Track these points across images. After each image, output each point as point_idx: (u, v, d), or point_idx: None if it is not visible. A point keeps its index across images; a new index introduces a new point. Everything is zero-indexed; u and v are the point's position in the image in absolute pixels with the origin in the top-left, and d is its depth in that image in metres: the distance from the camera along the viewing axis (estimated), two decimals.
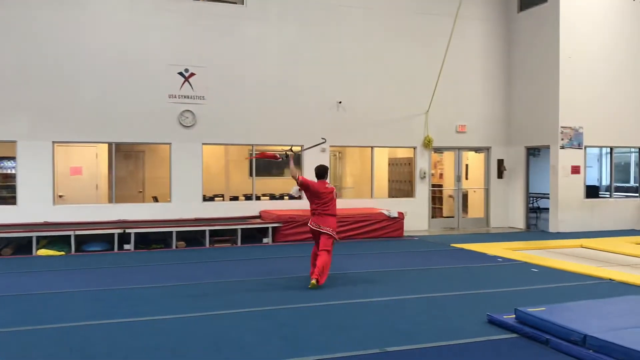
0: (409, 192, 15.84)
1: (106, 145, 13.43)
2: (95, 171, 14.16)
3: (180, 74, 13.22)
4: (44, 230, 11.54)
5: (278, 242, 12.72)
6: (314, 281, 7.96)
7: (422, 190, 15.53)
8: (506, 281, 8.62)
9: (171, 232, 12.01)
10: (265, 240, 12.72)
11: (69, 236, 11.35)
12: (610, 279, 8.64)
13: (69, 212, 12.54)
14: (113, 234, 11.59)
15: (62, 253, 11.04)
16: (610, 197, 16.08)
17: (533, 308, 6.04)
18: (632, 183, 18.86)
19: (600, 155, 19.77)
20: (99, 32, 12.76)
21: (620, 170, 19.31)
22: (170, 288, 8.08)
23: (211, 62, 13.48)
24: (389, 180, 16.99)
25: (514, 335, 5.80)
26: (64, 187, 13.45)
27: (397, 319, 6.45)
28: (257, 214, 13.85)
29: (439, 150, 16.03)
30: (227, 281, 8.59)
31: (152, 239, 12.16)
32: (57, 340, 5.64)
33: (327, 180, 8.70)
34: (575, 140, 14.79)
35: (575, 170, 14.87)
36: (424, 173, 15.44)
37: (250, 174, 14.42)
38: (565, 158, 14.76)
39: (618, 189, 17.64)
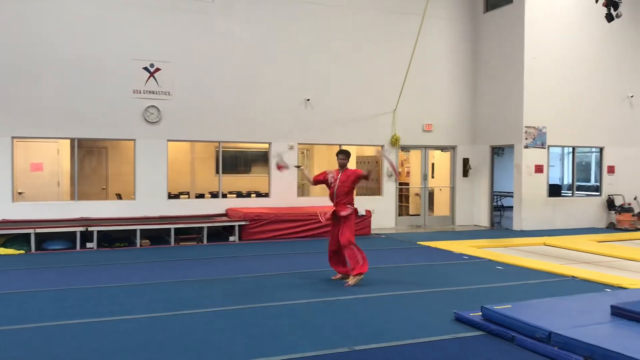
0: (376, 190, 15.89)
1: (68, 141, 13.11)
2: (57, 167, 13.81)
3: (146, 69, 12.98)
4: (2, 228, 11.18)
5: (245, 240, 12.60)
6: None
7: (389, 189, 15.60)
8: (472, 279, 8.69)
9: (135, 230, 11.79)
10: (231, 238, 12.59)
11: (29, 234, 11.02)
12: (573, 277, 8.79)
13: (29, 210, 12.19)
14: (75, 232, 11.31)
15: (22, 252, 10.72)
16: (572, 195, 16.42)
17: (499, 305, 6.10)
18: (592, 182, 19.28)
19: (563, 154, 20.16)
20: (61, 25, 12.41)
21: (581, 169, 19.72)
22: (134, 287, 7.92)
23: (177, 58, 13.26)
24: None
25: (481, 332, 5.84)
26: (24, 183, 13.06)
27: (365, 317, 6.44)
28: (223, 211, 13.70)
29: (406, 148, 16.11)
30: (192, 280, 8.46)
31: (115, 237, 11.89)
32: (17, 342, 5.45)
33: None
34: (538, 140, 15.05)
35: (539, 169, 15.13)
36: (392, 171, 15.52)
37: (217, 172, 14.27)
38: (529, 157, 15.01)
39: (579, 188, 18.03)
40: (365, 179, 8.38)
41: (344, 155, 8.36)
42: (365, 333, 5.81)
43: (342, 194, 8.21)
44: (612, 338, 5.11)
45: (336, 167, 8.42)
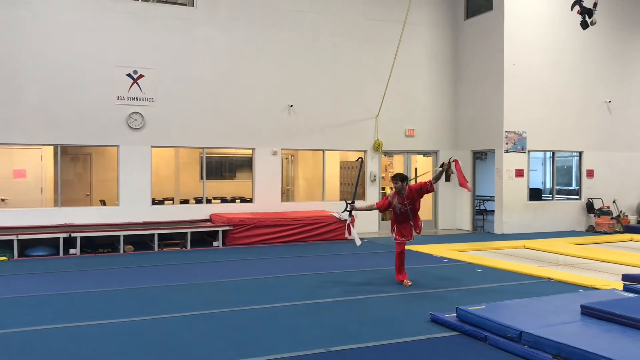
0: (359, 195, 16.00)
1: (52, 147, 13.12)
2: (40, 174, 13.81)
3: (129, 75, 13.04)
4: None
5: (228, 245, 12.68)
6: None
7: (373, 193, 15.73)
8: (450, 281, 8.84)
9: (118, 236, 11.82)
10: (215, 243, 12.66)
11: (12, 241, 11.03)
12: (549, 278, 8.97)
13: (12, 216, 12.15)
14: (58, 238, 11.33)
15: (4, 258, 10.73)
16: (552, 199, 16.66)
17: (473, 306, 6.25)
18: (574, 186, 19.58)
19: (545, 159, 20.43)
20: (44, 32, 12.44)
21: (563, 173, 20.01)
22: (116, 292, 7.98)
23: (161, 64, 13.34)
24: (340, 183, 17.16)
25: (455, 333, 5.98)
26: (7, 190, 13.07)
27: (342, 319, 6.55)
28: (207, 217, 13.76)
29: (388, 153, 16.28)
30: (174, 285, 8.53)
31: (98, 243, 11.93)
32: None
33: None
34: (518, 145, 15.28)
35: (519, 173, 15.35)
36: (374, 176, 15.66)
37: (201, 177, 14.33)
38: (510, 162, 15.23)
39: (561, 192, 18.29)
40: (428, 192, 8.60)
41: (395, 180, 8.53)
42: (342, 334, 5.93)
43: (415, 212, 8.60)
44: (580, 336, 5.26)
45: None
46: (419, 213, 8.81)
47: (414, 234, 8.73)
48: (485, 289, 8.32)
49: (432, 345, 5.65)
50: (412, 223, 8.61)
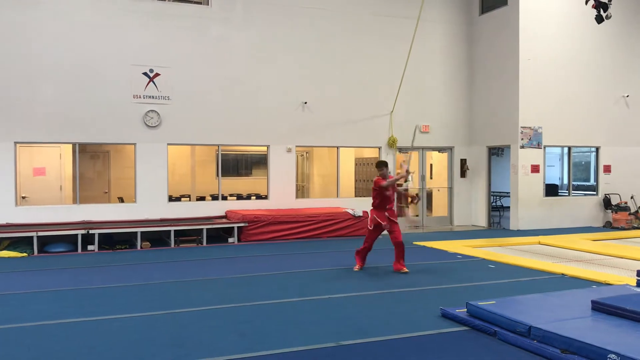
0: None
1: (70, 145, 13.34)
2: (60, 172, 14.04)
3: (145, 74, 13.21)
4: (5, 231, 11.41)
5: (243, 241, 12.80)
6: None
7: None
8: (463, 277, 8.86)
9: (136, 232, 12.01)
10: (230, 240, 12.80)
11: (32, 237, 11.27)
12: (562, 274, 8.95)
13: (32, 214, 12.43)
14: (77, 235, 11.54)
15: (25, 254, 10.97)
16: (569, 195, 16.54)
17: (483, 302, 6.28)
18: (592, 182, 19.40)
19: (562, 154, 20.27)
20: (61, 32, 12.65)
21: (582, 169, 19.83)
22: (132, 287, 8.13)
23: (176, 62, 13.49)
24: (355, 180, 17.20)
25: (465, 328, 6.02)
26: (27, 188, 13.32)
27: (354, 315, 6.62)
28: (223, 214, 13.91)
29: (403, 150, 16.28)
30: (189, 280, 8.67)
31: (116, 240, 12.14)
32: (14, 340, 5.67)
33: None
34: (534, 140, 15.20)
35: (535, 169, 15.28)
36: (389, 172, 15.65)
37: (217, 174, 14.48)
38: (525, 157, 15.16)
39: (579, 188, 18.14)
40: (385, 189, 9.31)
41: (377, 168, 9.37)
42: (351, 329, 6.00)
43: (392, 199, 9.52)
44: (589, 331, 5.27)
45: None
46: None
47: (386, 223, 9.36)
48: (498, 284, 8.33)
49: (442, 339, 5.70)
50: (387, 214, 9.32)
